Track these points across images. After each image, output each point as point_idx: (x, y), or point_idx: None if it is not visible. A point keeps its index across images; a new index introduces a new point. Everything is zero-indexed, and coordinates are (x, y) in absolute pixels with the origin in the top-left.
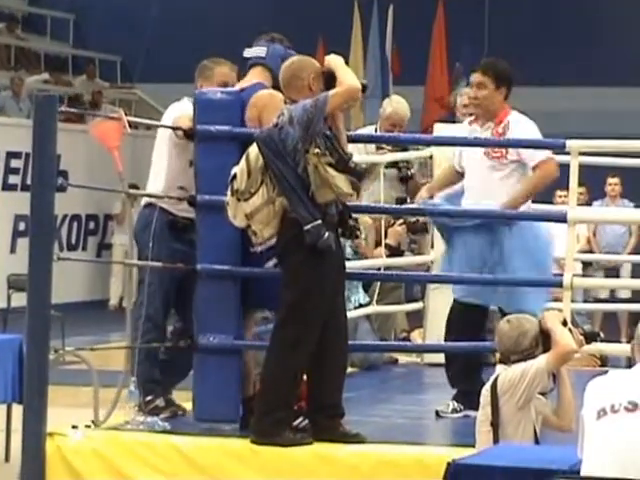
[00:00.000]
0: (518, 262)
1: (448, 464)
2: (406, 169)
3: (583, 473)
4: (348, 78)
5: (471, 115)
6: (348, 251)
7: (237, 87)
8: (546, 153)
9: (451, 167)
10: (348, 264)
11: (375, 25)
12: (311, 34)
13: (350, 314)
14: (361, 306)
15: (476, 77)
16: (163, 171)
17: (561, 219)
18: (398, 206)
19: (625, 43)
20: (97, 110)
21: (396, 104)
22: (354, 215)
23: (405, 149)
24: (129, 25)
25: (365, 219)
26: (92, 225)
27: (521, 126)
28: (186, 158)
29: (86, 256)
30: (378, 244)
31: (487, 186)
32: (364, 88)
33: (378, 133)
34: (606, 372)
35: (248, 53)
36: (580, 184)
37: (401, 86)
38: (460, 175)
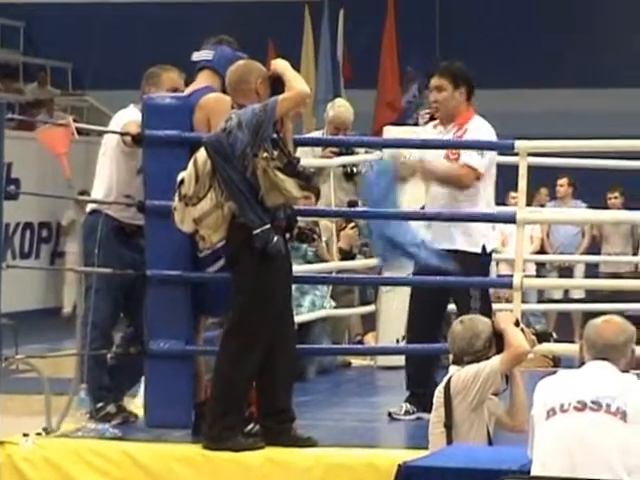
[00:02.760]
0: None
1: (399, 466)
2: (351, 165)
3: (533, 473)
4: (297, 82)
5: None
6: (310, 254)
7: (186, 92)
8: (479, 163)
9: None
10: (305, 268)
11: (326, 29)
12: (261, 38)
13: (305, 317)
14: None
15: (434, 81)
16: (109, 178)
17: (510, 220)
18: (349, 209)
19: (576, 45)
20: (49, 117)
21: (338, 107)
22: (316, 219)
23: (352, 152)
24: (80, 32)
25: (326, 223)
26: (45, 233)
27: (478, 131)
28: (133, 166)
29: (39, 264)
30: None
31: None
32: None
33: (324, 136)
34: (556, 372)
35: (196, 56)
36: (543, 185)
37: (353, 90)
38: None
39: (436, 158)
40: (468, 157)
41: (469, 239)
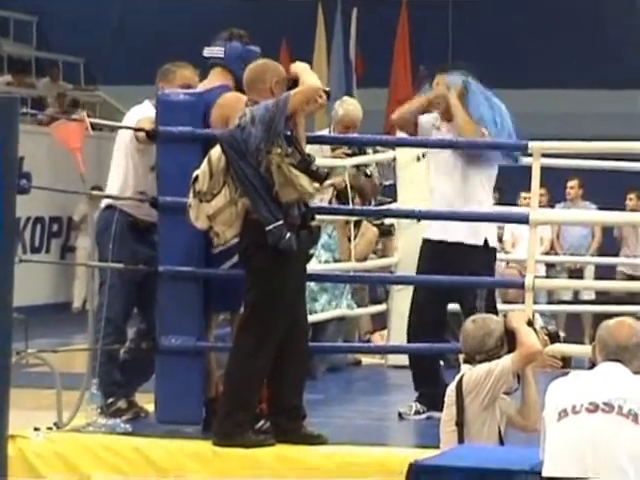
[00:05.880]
0: None
1: (410, 465)
2: (364, 166)
3: (544, 474)
4: (309, 78)
5: None
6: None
7: (201, 88)
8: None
9: None
10: (322, 267)
11: (339, 28)
12: (275, 37)
13: (321, 316)
14: None
15: (438, 78)
16: (123, 174)
17: (523, 220)
18: (363, 207)
19: (586, 46)
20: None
21: (347, 106)
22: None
23: (364, 152)
24: (92, 27)
25: (370, 227)
26: (55, 228)
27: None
28: (147, 162)
29: (50, 258)
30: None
31: (454, 173)
32: (327, 94)
33: (334, 135)
34: (567, 373)
35: (207, 52)
36: (541, 185)
37: (365, 88)
38: None
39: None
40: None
41: (471, 231)
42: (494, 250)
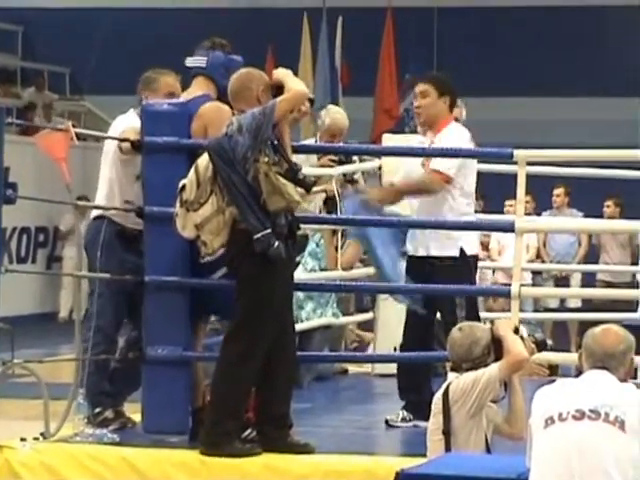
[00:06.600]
0: None
1: (397, 473)
2: (352, 174)
3: None
4: (295, 84)
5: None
6: (322, 265)
7: (183, 98)
8: (447, 166)
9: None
10: (307, 276)
11: (324, 36)
12: (260, 45)
13: (306, 325)
14: None
15: (419, 86)
16: (110, 184)
17: (509, 228)
18: (347, 216)
19: (571, 54)
20: (47, 122)
21: (334, 114)
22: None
23: (350, 159)
24: (78, 37)
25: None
26: (42, 238)
27: (449, 134)
28: (132, 172)
29: (36, 269)
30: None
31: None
32: (311, 102)
33: (321, 144)
34: (554, 381)
35: (189, 62)
36: (526, 193)
37: (350, 97)
38: None
39: (416, 166)
40: (437, 163)
41: (444, 243)
42: (473, 258)
